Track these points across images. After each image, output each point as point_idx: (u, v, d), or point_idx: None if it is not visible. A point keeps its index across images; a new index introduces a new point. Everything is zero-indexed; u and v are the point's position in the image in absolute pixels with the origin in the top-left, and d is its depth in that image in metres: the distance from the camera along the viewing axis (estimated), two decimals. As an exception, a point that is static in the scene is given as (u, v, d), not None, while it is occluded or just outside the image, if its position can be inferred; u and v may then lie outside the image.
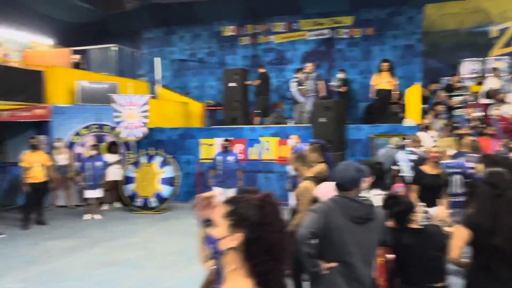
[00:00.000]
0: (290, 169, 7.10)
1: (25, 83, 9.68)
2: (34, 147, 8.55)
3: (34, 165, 8.32)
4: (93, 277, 5.58)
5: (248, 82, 11.46)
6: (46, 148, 9.66)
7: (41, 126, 10.11)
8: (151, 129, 10.47)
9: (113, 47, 12.28)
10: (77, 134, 10.37)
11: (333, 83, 11.84)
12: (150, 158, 9.81)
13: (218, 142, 10.21)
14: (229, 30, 14.06)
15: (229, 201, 1.46)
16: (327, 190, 3.17)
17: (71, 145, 10.20)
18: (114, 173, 9.94)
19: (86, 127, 10.45)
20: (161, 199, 9.58)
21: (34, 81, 9.92)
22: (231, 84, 11.08)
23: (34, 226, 8.38)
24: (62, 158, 9.67)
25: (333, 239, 2.63)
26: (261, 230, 1.38)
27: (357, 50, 12.96)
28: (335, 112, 9.02)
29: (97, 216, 9.02)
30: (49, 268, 5.99)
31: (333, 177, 2.93)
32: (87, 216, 8.97)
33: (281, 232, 1.41)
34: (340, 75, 11.76)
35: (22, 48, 13.07)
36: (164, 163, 9.73)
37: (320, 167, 4.85)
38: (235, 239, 1.38)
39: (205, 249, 1.48)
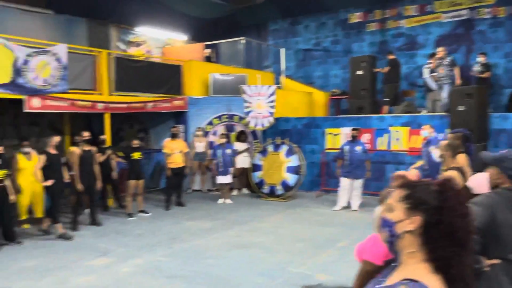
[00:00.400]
0: (435, 155, 6.87)
1: (166, 77, 10.58)
2: (175, 135, 9.34)
3: (175, 151, 9.09)
4: (229, 257, 5.93)
5: (377, 70, 11.03)
6: (183, 137, 10.51)
7: (179, 116, 10.99)
8: (276, 119, 10.71)
9: (241, 40, 12.79)
10: (210, 123, 11.06)
11: (475, 68, 10.80)
12: (277, 147, 10.05)
13: (344, 132, 10.06)
14: (355, 17, 13.70)
15: (405, 185, 1.41)
16: (481, 182, 2.92)
17: (206, 134, 10.93)
18: (242, 161, 10.42)
19: (218, 117, 11.09)
20: (286, 187, 9.77)
21: (174, 74, 10.80)
22: (358, 72, 10.77)
23: (174, 207, 9.18)
24: (200, 146, 10.41)
25: (498, 235, 2.40)
26: (441, 214, 1.33)
27: (501, 31, 11.64)
28: (477, 100, 8.23)
29: (229, 201, 9.55)
30: (190, 246, 6.51)
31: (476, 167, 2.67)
32: (220, 200, 9.55)
33: (465, 217, 1.34)
34: (481, 59, 10.68)
35: (162, 44, 14.33)
36: (290, 152, 9.90)
37: (462, 158, 4.49)
38: (413, 223, 1.35)
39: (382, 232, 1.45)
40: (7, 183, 6.59)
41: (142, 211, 8.58)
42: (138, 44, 13.41)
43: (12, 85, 7.38)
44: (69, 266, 5.69)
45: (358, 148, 8.55)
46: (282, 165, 9.82)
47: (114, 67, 9.27)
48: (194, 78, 11.14)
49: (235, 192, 10.47)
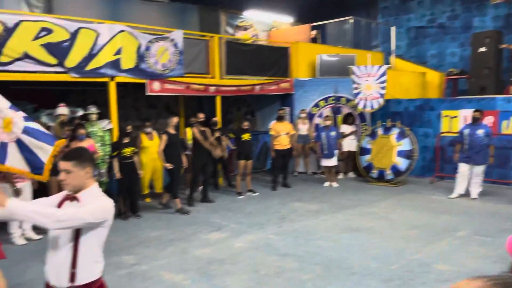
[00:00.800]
0: None
1: (273, 59, 10.66)
2: (281, 118, 9.42)
3: (281, 133, 9.17)
4: (340, 240, 5.86)
5: (504, 46, 9.96)
6: (289, 119, 10.55)
7: (285, 98, 11.05)
8: (387, 101, 10.24)
9: (349, 19, 12.38)
10: (316, 105, 10.96)
11: None
12: (387, 130, 9.64)
13: (463, 114, 9.29)
14: (477, -11, 12.47)
15: None
16: None
17: (310, 116, 10.86)
18: (349, 144, 10.19)
19: (324, 99, 10.94)
20: (397, 172, 9.35)
21: (281, 57, 10.85)
22: (481, 49, 9.84)
23: (280, 188, 9.31)
24: (304, 128, 10.39)
25: None
26: None
27: None
28: None
29: (335, 184, 9.42)
30: (299, 226, 6.56)
31: None
32: (326, 184, 9.46)
33: None
34: None
35: (268, 28, 14.45)
36: (401, 136, 9.43)
37: None
38: None
39: None
40: (135, 159, 7.24)
41: (250, 191, 8.85)
42: (245, 28, 13.68)
43: (135, 70, 8.00)
44: (188, 239, 6.08)
45: (480, 132, 7.84)
46: (393, 149, 9.40)
47: (225, 51, 9.57)
48: (301, 60, 11.08)
49: (340, 176, 10.30)
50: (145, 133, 7.90)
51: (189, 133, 8.65)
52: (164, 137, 7.41)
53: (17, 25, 6.48)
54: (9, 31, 6.41)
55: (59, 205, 2.35)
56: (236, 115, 12.24)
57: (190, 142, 8.35)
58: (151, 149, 7.74)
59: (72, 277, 2.26)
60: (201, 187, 8.71)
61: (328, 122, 9.56)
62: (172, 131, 7.53)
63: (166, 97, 11.31)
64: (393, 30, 13.18)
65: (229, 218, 7.12)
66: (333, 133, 9.40)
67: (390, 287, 4.38)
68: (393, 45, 13.15)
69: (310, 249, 5.52)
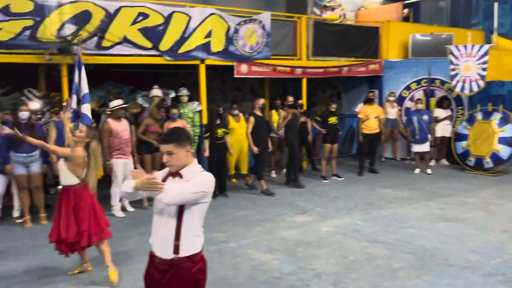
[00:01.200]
0: None
1: (362, 40, 10.25)
2: (371, 100, 9.07)
3: (370, 117, 8.84)
4: (434, 229, 5.54)
5: None
6: (377, 102, 10.13)
7: (373, 81, 10.62)
8: (488, 83, 9.40)
9: (447, -5, 11.52)
10: (407, 88, 10.40)
11: None
12: (487, 114, 8.89)
13: None
14: None
15: None
16: None
17: (400, 100, 10.34)
18: (443, 129, 9.57)
19: (416, 81, 10.34)
20: (497, 160, 8.62)
21: (370, 37, 10.40)
22: None
23: (367, 173, 9.02)
24: (392, 112, 9.93)
25: None
26: None
27: None
28: None
29: (428, 171, 8.91)
30: (389, 213, 6.31)
31: None
32: (417, 170, 8.99)
33: None
34: None
35: (356, 7, 13.89)
36: (504, 121, 8.65)
37: None
38: None
39: None
40: (226, 139, 7.44)
41: (335, 175, 8.68)
42: (332, 8, 13.27)
43: (224, 53, 8.12)
44: (274, 220, 6.12)
45: None
46: (493, 135, 8.65)
47: (312, 32, 9.38)
48: (391, 40, 10.55)
49: (432, 163, 9.71)
50: (232, 115, 8.04)
51: (274, 115, 8.67)
52: (252, 119, 7.48)
53: (117, 11, 6.86)
54: (111, 17, 6.81)
55: (163, 181, 2.44)
56: (320, 97, 12.03)
57: (275, 125, 8.37)
58: (238, 131, 7.87)
59: (176, 249, 2.35)
60: (284, 170, 8.74)
61: (420, 106, 9.02)
62: (259, 113, 7.57)
63: (251, 80, 11.44)
64: (496, 6, 12.00)
65: (314, 201, 7.05)
66: (425, 117, 8.86)
67: (491, 282, 4.05)
68: (495, 23, 11.98)
69: (401, 237, 5.29)
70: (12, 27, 6.05)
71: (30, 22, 6.19)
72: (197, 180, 2.32)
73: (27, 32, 6.18)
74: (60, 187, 4.25)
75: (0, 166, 5.95)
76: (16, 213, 6.20)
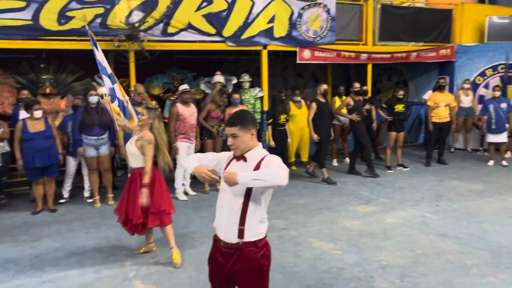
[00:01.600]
0: None
1: (433, 23, 9.66)
2: (442, 87, 8.55)
3: (441, 104, 8.35)
4: (510, 225, 5.14)
5: None
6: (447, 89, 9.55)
7: (444, 67, 10.02)
8: None
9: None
10: (481, 74, 9.72)
11: None
12: None
13: None
14: None
15: None
16: None
17: (474, 86, 9.68)
18: (521, 119, 8.84)
19: (492, 67, 9.62)
20: None
21: (442, 20, 9.77)
22: None
23: (434, 164, 8.57)
24: (467, 100, 9.33)
25: None
26: None
27: None
28: None
29: (504, 163, 8.30)
30: (459, 206, 5.94)
31: None
32: (491, 162, 8.40)
33: None
34: None
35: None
36: None
37: None
38: None
39: None
40: (287, 127, 7.35)
41: (401, 165, 8.32)
42: (401, -9, 12.64)
43: (287, 38, 7.99)
44: (335, 209, 5.97)
45: None
46: None
47: (379, 16, 8.98)
48: (466, 23, 9.86)
49: (508, 155, 9.04)
50: (294, 102, 7.92)
51: (337, 102, 8.43)
52: (314, 105, 7.30)
53: (182, -3, 6.94)
54: (176, 3, 6.90)
55: (227, 165, 2.41)
56: (386, 84, 11.55)
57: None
58: (299, 118, 7.74)
59: (241, 234, 2.31)
60: (347, 159, 8.52)
61: (498, 93, 8.38)
62: (321, 99, 7.38)
63: (313, 66, 11.21)
64: None
65: (378, 192, 6.80)
66: (503, 105, 8.22)
67: None
68: None
69: (473, 232, 4.96)
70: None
71: (101, 10, 6.42)
72: (278, 163, 2.23)
73: (98, 20, 6.42)
74: (128, 168, 4.37)
75: (72, 149, 6.28)
76: (86, 193, 6.52)
